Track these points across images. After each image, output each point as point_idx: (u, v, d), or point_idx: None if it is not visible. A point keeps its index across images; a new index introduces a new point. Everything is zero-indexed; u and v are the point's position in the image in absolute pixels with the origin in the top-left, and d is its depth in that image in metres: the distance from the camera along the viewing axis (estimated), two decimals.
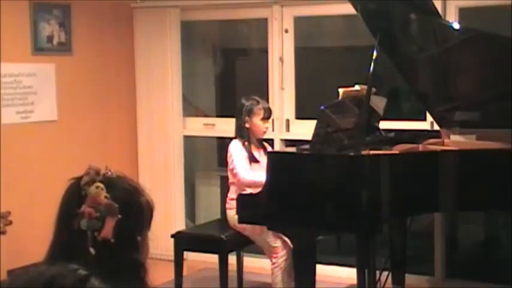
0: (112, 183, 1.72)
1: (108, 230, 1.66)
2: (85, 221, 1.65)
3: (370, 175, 3.62)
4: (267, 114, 4.61)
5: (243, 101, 4.62)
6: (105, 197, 1.68)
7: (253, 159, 4.54)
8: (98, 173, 1.73)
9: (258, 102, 4.60)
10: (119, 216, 1.67)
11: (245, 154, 4.51)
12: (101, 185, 1.69)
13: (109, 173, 1.75)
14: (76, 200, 1.69)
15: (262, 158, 4.55)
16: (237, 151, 4.52)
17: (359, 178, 3.60)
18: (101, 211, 1.66)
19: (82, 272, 1.15)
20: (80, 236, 1.66)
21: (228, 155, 4.55)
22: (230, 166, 4.53)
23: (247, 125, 4.56)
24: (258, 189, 3.95)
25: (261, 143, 4.70)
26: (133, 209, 1.73)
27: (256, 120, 4.57)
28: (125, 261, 1.69)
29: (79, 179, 1.73)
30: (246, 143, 4.55)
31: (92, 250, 1.65)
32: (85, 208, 1.66)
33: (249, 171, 4.45)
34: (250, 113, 4.56)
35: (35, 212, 5.08)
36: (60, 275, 1.12)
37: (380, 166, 3.65)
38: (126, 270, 1.69)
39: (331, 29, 5.96)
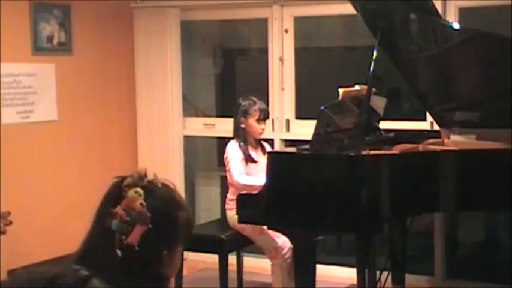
0: (152, 192, 1.71)
1: (135, 236, 1.65)
2: (116, 221, 1.66)
3: (370, 175, 3.61)
4: (263, 116, 4.58)
5: (240, 100, 4.61)
6: (141, 204, 1.67)
7: (250, 160, 4.53)
8: (142, 178, 1.71)
9: (255, 103, 4.58)
10: (149, 226, 1.66)
11: (241, 156, 4.50)
12: (140, 191, 1.68)
13: (155, 180, 1.74)
14: (114, 199, 1.69)
15: (261, 158, 4.55)
16: (233, 153, 4.51)
17: (359, 178, 3.60)
18: (132, 216, 1.66)
19: (83, 272, 1.15)
20: (109, 235, 1.66)
21: (225, 156, 4.55)
22: (226, 168, 4.53)
23: (242, 126, 4.56)
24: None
25: (259, 142, 4.69)
26: (166, 222, 1.71)
27: (252, 121, 4.55)
28: (146, 271, 1.68)
29: (124, 178, 1.72)
30: (242, 143, 4.54)
31: (119, 252, 1.64)
32: (118, 209, 1.66)
33: (243, 174, 4.45)
34: (245, 113, 4.55)
35: (35, 212, 5.08)
36: (62, 274, 1.12)
37: (380, 166, 3.65)
38: (147, 281, 1.68)
39: (331, 29, 5.96)
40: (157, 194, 1.72)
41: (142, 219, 1.66)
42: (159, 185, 1.75)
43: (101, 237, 1.68)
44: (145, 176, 1.73)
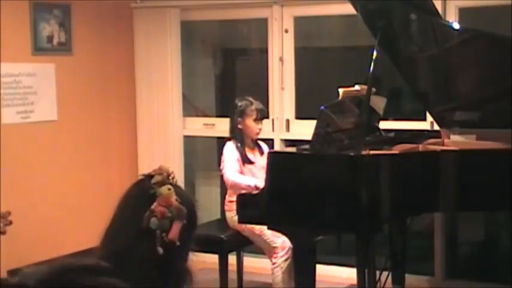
0: (179, 190, 1.74)
1: (175, 232, 1.66)
2: (155, 219, 1.66)
3: (370, 175, 3.61)
4: (260, 115, 4.58)
5: (237, 101, 4.60)
6: (176, 200, 1.69)
7: (247, 161, 4.52)
8: (169, 175, 1.73)
9: (252, 103, 4.57)
10: (184, 221, 1.68)
11: (237, 156, 4.50)
12: (172, 188, 1.70)
13: (174, 179, 1.76)
14: (146, 198, 1.69)
15: (258, 159, 4.55)
16: (229, 153, 4.51)
17: (359, 178, 3.60)
18: (172, 212, 1.67)
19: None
20: (147, 234, 1.66)
21: (222, 157, 4.56)
22: (220, 167, 4.53)
23: (240, 126, 4.55)
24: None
25: (257, 143, 4.68)
26: (192, 219, 1.74)
27: (249, 121, 4.55)
28: (184, 266, 1.71)
29: (149, 176, 1.73)
30: (239, 144, 4.54)
31: (160, 249, 1.65)
32: (157, 207, 1.66)
33: (235, 173, 4.44)
34: (242, 114, 4.54)
35: (35, 212, 5.08)
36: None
37: (380, 166, 3.65)
38: (180, 276, 1.70)
39: (331, 29, 5.95)
40: (182, 192, 1.75)
41: (180, 215, 1.68)
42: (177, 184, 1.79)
43: (139, 236, 1.67)
44: (170, 174, 1.76)
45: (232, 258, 4.68)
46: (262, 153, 4.61)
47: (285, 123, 5.49)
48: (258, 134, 4.61)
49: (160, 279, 1.65)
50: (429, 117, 4.78)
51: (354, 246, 4.43)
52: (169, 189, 1.69)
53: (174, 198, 1.68)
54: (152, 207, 1.66)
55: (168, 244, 1.66)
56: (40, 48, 5.18)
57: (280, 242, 4.35)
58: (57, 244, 5.05)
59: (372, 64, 3.83)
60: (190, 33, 5.94)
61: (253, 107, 4.55)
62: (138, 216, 1.67)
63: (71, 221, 5.32)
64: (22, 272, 1.16)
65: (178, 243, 1.67)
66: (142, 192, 1.71)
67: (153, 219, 1.66)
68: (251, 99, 4.61)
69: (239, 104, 4.56)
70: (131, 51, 5.73)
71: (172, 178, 1.74)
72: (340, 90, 4.10)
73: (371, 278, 4.05)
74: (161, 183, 1.70)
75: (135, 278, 1.45)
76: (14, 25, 5.00)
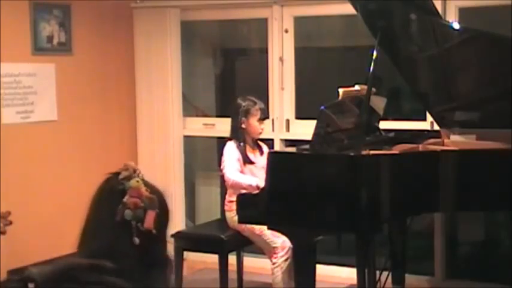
0: (146, 182, 1.81)
1: (150, 221, 1.72)
2: (129, 211, 1.71)
3: (370, 175, 3.61)
4: (264, 115, 4.60)
5: (239, 101, 4.60)
6: (146, 190, 1.75)
7: (247, 161, 4.52)
8: (135, 171, 1.80)
9: (255, 103, 4.58)
10: (157, 210, 1.74)
11: (237, 156, 4.50)
12: (140, 180, 1.77)
13: (140, 174, 1.83)
14: (117, 193, 1.75)
15: (258, 159, 4.55)
16: (229, 152, 4.51)
17: (359, 178, 3.60)
18: (145, 202, 1.73)
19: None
20: (124, 226, 1.71)
21: (222, 157, 4.56)
22: (221, 167, 4.53)
23: (243, 126, 4.55)
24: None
25: (257, 143, 4.68)
26: (164, 207, 1.80)
27: (253, 121, 4.55)
28: (163, 254, 1.77)
29: (116, 174, 1.79)
30: (241, 144, 4.54)
31: (137, 240, 1.70)
32: (129, 199, 1.72)
33: (236, 172, 4.44)
34: (247, 113, 4.54)
35: (35, 212, 5.08)
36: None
37: (380, 166, 3.64)
38: (158, 265, 1.75)
39: (331, 29, 5.95)
40: (149, 183, 1.81)
41: (152, 204, 1.73)
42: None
43: (117, 230, 1.72)
44: (136, 169, 1.83)
45: (232, 258, 4.68)
46: (262, 153, 4.61)
47: (285, 123, 5.50)
48: (260, 133, 4.63)
49: (143, 269, 1.69)
50: (429, 117, 4.78)
51: (354, 246, 4.43)
52: (137, 181, 1.76)
53: (144, 189, 1.75)
54: (124, 200, 1.72)
55: (145, 233, 1.71)
56: (40, 48, 5.18)
57: (280, 242, 4.35)
58: (57, 244, 5.04)
59: (372, 64, 3.83)
60: (190, 33, 5.94)
61: (257, 107, 4.56)
62: (112, 212, 1.72)
63: (71, 221, 5.29)
64: (28, 271, 1.19)
65: (154, 231, 1.71)
66: (112, 188, 1.77)
67: (127, 211, 1.71)
68: (253, 99, 4.61)
69: (243, 103, 4.56)
70: (131, 51, 5.74)
71: (138, 174, 1.80)
72: (340, 90, 4.10)
73: (371, 278, 4.06)
74: (129, 178, 1.76)
75: (120, 271, 1.49)
76: (14, 25, 5.00)
